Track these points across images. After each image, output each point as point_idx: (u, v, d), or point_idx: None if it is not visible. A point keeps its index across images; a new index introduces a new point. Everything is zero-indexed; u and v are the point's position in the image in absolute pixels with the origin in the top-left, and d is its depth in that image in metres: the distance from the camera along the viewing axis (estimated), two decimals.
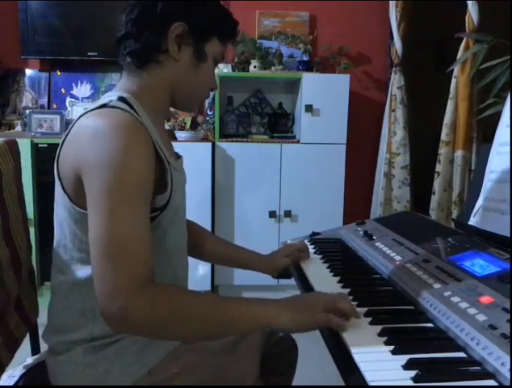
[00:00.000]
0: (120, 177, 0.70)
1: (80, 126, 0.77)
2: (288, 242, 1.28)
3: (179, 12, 0.84)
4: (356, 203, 2.97)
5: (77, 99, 2.88)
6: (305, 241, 1.25)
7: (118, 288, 0.66)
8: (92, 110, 0.78)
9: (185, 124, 2.86)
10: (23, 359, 0.99)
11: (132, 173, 0.71)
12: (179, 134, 2.61)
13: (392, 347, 0.64)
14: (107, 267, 0.67)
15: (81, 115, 0.78)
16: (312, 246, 1.19)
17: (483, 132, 2.35)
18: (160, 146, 0.82)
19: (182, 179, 0.95)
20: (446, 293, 0.75)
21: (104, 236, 0.68)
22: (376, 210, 2.87)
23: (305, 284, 0.97)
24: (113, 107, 0.77)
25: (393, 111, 2.79)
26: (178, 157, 0.99)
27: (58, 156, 0.80)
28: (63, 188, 0.80)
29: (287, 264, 1.11)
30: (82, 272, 0.81)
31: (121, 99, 0.80)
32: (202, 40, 0.87)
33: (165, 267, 0.88)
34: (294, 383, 1.14)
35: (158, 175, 0.80)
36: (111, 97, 0.81)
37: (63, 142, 0.80)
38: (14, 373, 0.94)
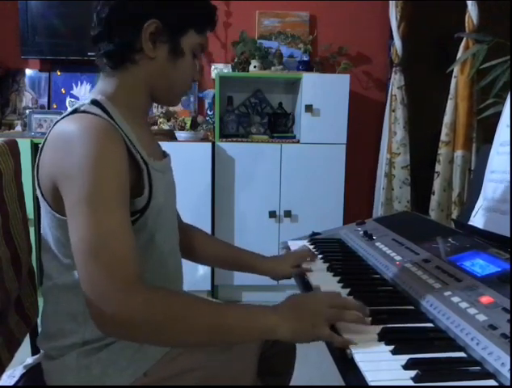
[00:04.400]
0: (95, 181, 0.69)
1: (54, 133, 0.77)
2: (289, 242, 1.27)
3: (151, 9, 0.80)
4: (356, 203, 2.97)
5: (77, 99, 2.87)
6: (305, 242, 1.25)
7: (108, 290, 0.65)
8: (65, 116, 0.78)
9: (185, 124, 2.85)
10: (23, 359, 0.99)
11: (106, 176, 0.70)
12: (179, 134, 2.61)
13: (392, 347, 0.64)
14: (94, 271, 0.66)
15: (57, 122, 0.78)
16: (312, 246, 1.19)
17: (483, 132, 2.35)
18: (136, 147, 0.80)
19: (166, 179, 0.92)
20: (447, 293, 0.75)
21: (86, 241, 0.67)
22: (378, 210, 2.87)
23: (305, 285, 0.97)
24: (84, 111, 0.77)
25: (393, 111, 2.79)
26: (165, 156, 0.97)
27: (38, 163, 0.80)
28: (42, 195, 0.79)
29: (290, 276, 1.07)
30: (69, 277, 0.80)
31: (94, 102, 0.79)
32: (177, 35, 0.84)
33: (157, 269, 0.87)
34: (294, 383, 1.14)
35: (134, 177, 0.79)
36: (83, 101, 0.80)
37: (41, 149, 0.79)
38: (14, 373, 0.94)
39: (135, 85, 0.85)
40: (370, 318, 0.71)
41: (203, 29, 0.88)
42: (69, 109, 0.80)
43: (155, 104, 2.63)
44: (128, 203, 0.75)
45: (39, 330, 0.91)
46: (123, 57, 0.83)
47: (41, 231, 0.85)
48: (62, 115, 0.79)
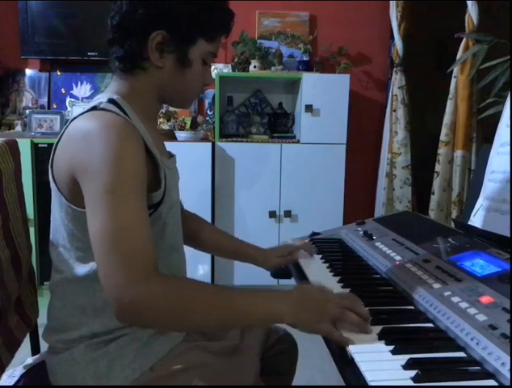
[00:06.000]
0: (116, 175, 0.72)
1: (72, 129, 0.79)
2: (289, 241, 1.27)
3: (159, 20, 0.82)
4: (356, 203, 2.97)
5: (77, 99, 2.88)
6: (306, 240, 1.25)
7: (128, 280, 0.68)
8: (83, 113, 0.80)
9: (185, 124, 2.86)
10: (23, 359, 0.99)
11: (127, 170, 0.73)
12: (179, 134, 2.61)
13: (392, 347, 0.64)
14: (114, 261, 0.68)
15: (74, 119, 0.80)
16: (312, 247, 1.19)
17: (483, 133, 2.35)
18: (151, 145, 0.83)
19: (175, 177, 0.96)
20: (447, 293, 0.75)
21: (107, 233, 0.69)
22: (380, 210, 2.87)
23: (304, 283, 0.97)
24: (103, 109, 0.78)
25: (394, 111, 2.79)
26: (171, 155, 1.00)
27: (52, 158, 0.82)
28: (58, 189, 0.81)
29: (280, 265, 1.13)
30: (80, 269, 0.82)
31: (111, 100, 0.81)
32: (185, 45, 0.85)
33: (164, 263, 0.88)
34: (294, 383, 1.14)
35: (151, 173, 0.82)
36: (100, 99, 0.82)
37: (56, 145, 0.81)
38: (14, 373, 0.94)
39: (145, 89, 0.88)
40: (371, 329, 0.71)
41: (214, 37, 0.88)
42: (88, 106, 0.81)
43: None
44: (146, 197, 0.77)
45: (41, 328, 0.91)
46: (134, 64, 0.85)
47: (51, 225, 0.87)
48: (80, 112, 0.80)
